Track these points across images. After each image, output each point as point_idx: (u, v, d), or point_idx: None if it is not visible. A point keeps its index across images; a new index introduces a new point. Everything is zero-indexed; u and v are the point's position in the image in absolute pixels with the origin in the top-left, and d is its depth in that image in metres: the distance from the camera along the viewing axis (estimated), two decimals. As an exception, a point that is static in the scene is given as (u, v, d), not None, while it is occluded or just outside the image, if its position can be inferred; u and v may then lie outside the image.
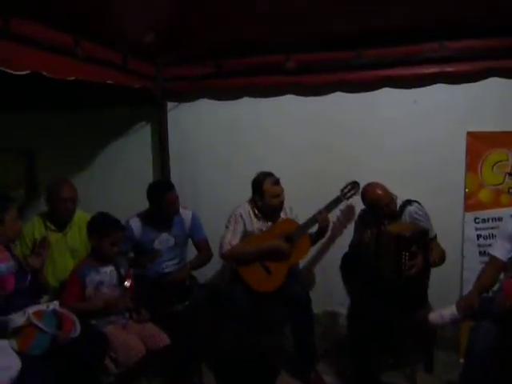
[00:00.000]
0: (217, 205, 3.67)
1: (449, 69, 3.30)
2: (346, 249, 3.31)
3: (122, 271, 2.83)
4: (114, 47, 3.03)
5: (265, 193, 3.17)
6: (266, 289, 3.13)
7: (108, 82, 3.02)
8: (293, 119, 3.72)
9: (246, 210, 3.25)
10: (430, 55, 3.29)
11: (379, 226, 3.01)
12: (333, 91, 3.61)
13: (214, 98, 3.80)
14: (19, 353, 2.18)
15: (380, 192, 3.02)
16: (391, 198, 3.04)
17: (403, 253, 2.83)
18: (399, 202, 3.09)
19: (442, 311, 2.70)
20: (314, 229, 3.33)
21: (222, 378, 1.66)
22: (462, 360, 2.99)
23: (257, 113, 3.76)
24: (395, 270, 2.86)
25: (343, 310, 3.60)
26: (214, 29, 3.18)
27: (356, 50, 3.34)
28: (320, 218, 3.24)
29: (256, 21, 3.09)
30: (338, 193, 3.38)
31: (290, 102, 3.70)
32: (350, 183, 3.38)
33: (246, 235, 3.22)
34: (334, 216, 3.55)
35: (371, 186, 3.08)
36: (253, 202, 3.27)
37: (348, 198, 3.38)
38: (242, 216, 3.22)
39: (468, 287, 3.11)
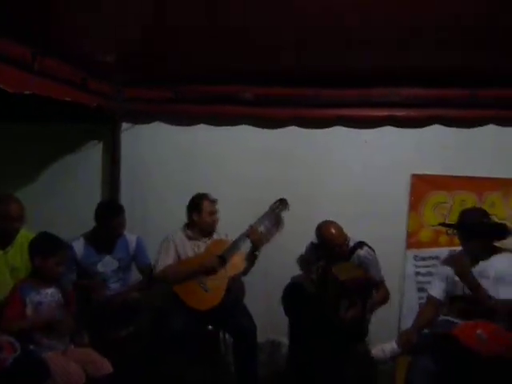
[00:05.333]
0: (167, 230, 3.61)
1: (398, 113, 3.52)
2: (288, 275, 3.36)
3: (66, 292, 2.75)
4: (73, 64, 3.00)
5: (202, 210, 3.31)
6: (206, 306, 3.14)
7: (66, 99, 2.98)
8: (246, 149, 3.79)
9: (178, 235, 3.34)
10: (381, 99, 3.49)
11: (327, 264, 3.08)
12: (287, 125, 3.73)
13: (170, 122, 3.81)
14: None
15: (334, 232, 3.09)
16: (344, 240, 3.11)
17: (343, 300, 2.94)
18: (351, 243, 3.16)
19: (384, 346, 2.79)
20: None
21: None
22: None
23: (212, 140, 3.80)
24: (333, 311, 2.95)
25: (286, 340, 3.63)
26: (176, 55, 3.21)
27: (314, 88, 3.48)
28: (250, 231, 3.34)
29: (218, 50, 3.15)
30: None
31: (245, 133, 3.78)
32: (278, 200, 3.54)
33: (179, 258, 3.29)
34: (277, 244, 3.66)
35: (327, 225, 3.14)
36: (186, 225, 3.38)
37: (276, 214, 3.53)
38: (174, 241, 3.31)
39: (406, 321, 3.25)
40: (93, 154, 3.87)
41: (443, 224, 3.31)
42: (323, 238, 3.14)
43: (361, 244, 3.16)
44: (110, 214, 3.19)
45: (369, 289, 3.03)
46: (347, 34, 2.76)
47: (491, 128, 3.60)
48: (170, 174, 3.83)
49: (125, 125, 3.79)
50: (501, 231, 2.88)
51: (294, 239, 3.62)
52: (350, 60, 3.12)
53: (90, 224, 3.24)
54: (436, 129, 3.59)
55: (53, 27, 2.47)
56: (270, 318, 3.73)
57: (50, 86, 2.81)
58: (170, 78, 3.57)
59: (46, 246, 2.71)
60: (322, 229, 3.15)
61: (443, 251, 3.32)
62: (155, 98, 3.66)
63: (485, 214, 2.89)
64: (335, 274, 2.97)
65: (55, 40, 2.60)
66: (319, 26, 2.64)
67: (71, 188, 3.85)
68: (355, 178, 3.69)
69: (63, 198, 3.83)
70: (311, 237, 3.32)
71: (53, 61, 2.75)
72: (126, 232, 3.33)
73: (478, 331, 2.48)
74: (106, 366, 2.60)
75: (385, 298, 3.17)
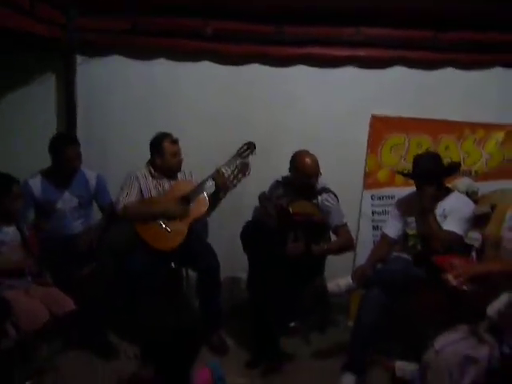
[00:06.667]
0: (124, 166, 3.52)
1: (361, 53, 3.50)
2: (249, 215, 3.37)
3: (26, 231, 2.71)
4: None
5: (164, 151, 3.21)
6: (168, 247, 3.14)
7: (13, 26, 2.78)
8: (207, 86, 3.70)
9: (142, 172, 3.27)
10: (345, 38, 3.45)
11: (289, 200, 3.10)
12: (249, 63, 3.65)
13: (129, 56, 3.63)
14: None
15: (309, 162, 3.01)
16: (316, 174, 3.06)
17: (290, 233, 2.98)
18: (318, 186, 3.13)
19: (339, 281, 2.91)
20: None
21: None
22: (350, 323, 3.28)
23: (171, 76, 3.67)
24: (282, 243, 2.99)
25: (244, 276, 3.73)
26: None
27: (277, 25, 3.39)
28: (216, 175, 3.28)
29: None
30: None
31: (205, 69, 3.68)
32: (245, 143, 3.42)
33: (142, 196, 3.24)
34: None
35: (303, 154, 3.05)
36: (150, 162, 3.29)
37: (244, 158, 3.42)
38: (137, 178, 3.23)
39: (361, 258, 3.40)
40: (46, 88, 3.66)
41: (400, 173, 3.32)
42: (299, 168, 3.05)
43: (325, 189, 3.14)
44: (63, 144, 3.10)
45: (316, 228, 3.03)
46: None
47: (450, 71, 3.65)
48: (129, 108, 3.70)
49: (79, 57, 3.59)
50: (451, 170, 3.03)
51: (255, 179, 3.63)
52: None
53: (45, 161, 3.14)
54: (397, 70, 3.61)
55: None
56: (227, 255, 3.77)
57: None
58: (126, 8, 3.37)
59: None
60: (297, 157, 3.07)
61: (399, 191, 3.42)
62: (111, 29, 3.46)
63: (436, 157, 2.98)
64: (289, 207, 2.99)
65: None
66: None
67: (24, 123, 3.66)
68: (316, 117, 3.69)
69: (16, 133, 3.66)
70: (272, 177, 3.33)
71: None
72: (84, 169, 3.26)
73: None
74: (69, 304, 2.63)
75: (344, 244, 3.14)
